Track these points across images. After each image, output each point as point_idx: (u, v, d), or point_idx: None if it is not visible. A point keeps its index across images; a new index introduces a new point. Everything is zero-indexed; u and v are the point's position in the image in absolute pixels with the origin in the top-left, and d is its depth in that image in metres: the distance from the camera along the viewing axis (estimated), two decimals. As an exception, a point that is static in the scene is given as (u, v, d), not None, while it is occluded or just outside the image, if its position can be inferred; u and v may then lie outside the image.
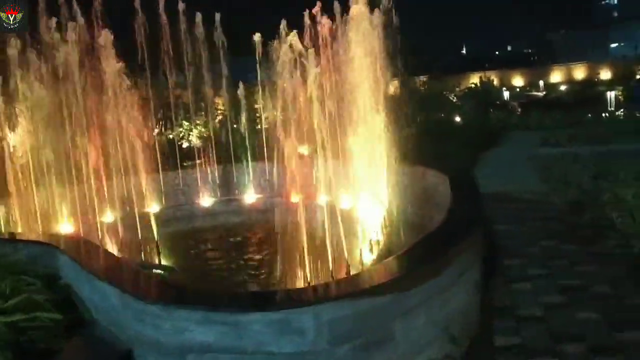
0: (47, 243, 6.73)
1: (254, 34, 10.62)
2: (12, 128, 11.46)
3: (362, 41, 8.98)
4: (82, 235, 9.90)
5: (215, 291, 6.11)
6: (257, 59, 11.12)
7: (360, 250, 7.13)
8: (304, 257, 6.49)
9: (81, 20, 10.80)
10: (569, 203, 10.34)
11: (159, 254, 8.92)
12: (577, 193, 10.66)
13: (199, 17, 13.21)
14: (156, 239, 8.96)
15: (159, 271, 8.69)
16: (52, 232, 9.64)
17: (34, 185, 10.42)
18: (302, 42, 8.94)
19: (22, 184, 10.28)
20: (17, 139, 10.98)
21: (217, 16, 13.13)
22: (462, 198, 7.35)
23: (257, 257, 9.17)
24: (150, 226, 10.24)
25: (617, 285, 6.24)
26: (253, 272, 8.47)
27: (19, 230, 9.95)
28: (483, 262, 6.10)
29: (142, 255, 9.06)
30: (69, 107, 10.77)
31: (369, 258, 7.25)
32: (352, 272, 6.69)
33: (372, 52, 8.94)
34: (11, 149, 11.51)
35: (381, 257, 7.30)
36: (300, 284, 6.30)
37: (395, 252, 7.55)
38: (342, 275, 6.55)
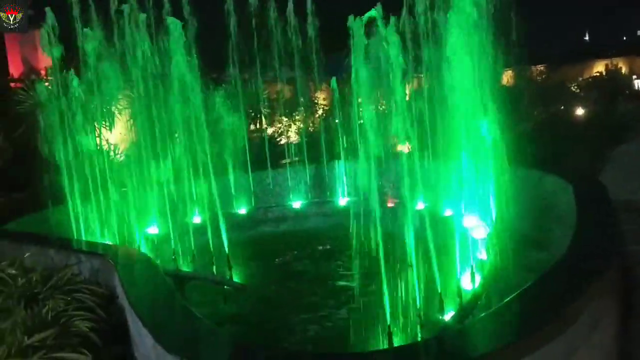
0: (106, 256, 6.16)
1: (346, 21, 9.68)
2: (110, 129, 11.46)
3: (469, 26, 7.69)
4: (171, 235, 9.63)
5: None
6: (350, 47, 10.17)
7: (458, 279, 5.91)
8: (389, 279, 5.43)
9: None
10: None
11: (229, 265, 8.23)
12: None
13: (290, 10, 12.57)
14: (226, 249, 8.26)
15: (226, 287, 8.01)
16: (113, 243, 9.27)
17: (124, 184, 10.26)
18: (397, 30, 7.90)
19: (111, 184, 10.09)
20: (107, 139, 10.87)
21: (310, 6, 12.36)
22: (591, 214, 5.92)
23: (342, 272, 8.23)
24: (233, 229, 9.62)
25: None
26: (336, 290, 7.55)
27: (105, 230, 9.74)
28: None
29: (214, 267, 8.42)
30: (157, 109, 10.56)
31: (468, 287, 6.01)
32: (445, 308, 5.49)
33: (481, 39, 7.65)
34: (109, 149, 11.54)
35: (485, 286, 6.04)
36: (379, 324, 5.24)
37: (502, 279, 6.34)
38: (431, 311, 5.39)
